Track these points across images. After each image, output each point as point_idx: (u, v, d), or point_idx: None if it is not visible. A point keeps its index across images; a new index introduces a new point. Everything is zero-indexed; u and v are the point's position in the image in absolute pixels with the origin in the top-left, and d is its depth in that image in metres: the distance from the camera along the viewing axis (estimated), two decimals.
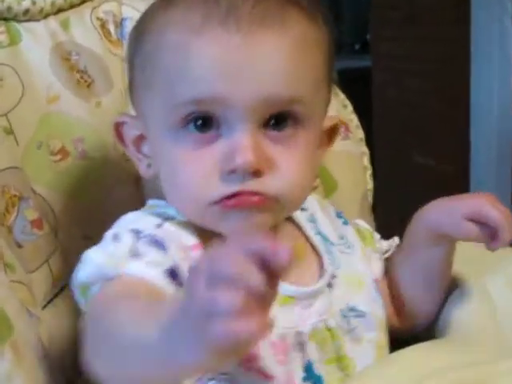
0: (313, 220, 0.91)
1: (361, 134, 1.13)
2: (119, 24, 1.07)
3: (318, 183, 1.05)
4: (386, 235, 0.99)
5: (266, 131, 0.77)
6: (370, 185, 1.12)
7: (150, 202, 0.88)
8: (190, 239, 0.79)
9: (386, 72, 2.63)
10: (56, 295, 0.96)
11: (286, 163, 0.77)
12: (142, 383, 0.64)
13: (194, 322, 0.50)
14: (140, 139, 0.86)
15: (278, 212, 0.80)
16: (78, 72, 1.01)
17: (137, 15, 1.01)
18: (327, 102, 0.85)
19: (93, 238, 0.83)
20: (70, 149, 0.98)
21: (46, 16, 1.01)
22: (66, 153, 0.98)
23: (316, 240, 0.88)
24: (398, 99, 2.52)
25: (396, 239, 0.96)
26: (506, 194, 2.01)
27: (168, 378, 0.60)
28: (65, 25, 1.03)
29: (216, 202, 0.76)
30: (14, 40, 0.98)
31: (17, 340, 0.80)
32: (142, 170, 0.87)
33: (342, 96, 1.12)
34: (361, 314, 0.85)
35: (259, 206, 0.76)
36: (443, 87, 2.26)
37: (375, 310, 0.87)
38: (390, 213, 1.84)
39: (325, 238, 0.89)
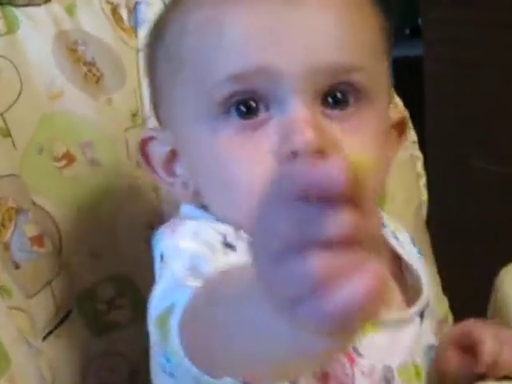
0: (396, 238, 0.86)
1: (413, 135, 1.09)
2: (132, 9, 1.03)
3: None
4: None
5: (324, 109, 0.72)
6: (425, 195, 1.09)
7: (185, 209, 0.82)
8: None
9: (441, 61, 2.53)
10: (59, 324, 0.91)
11: (354, 147, 0.72)
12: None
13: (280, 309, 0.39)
14: (171, 157, 0.80)
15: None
16: (84, 64, 0.98)
17: None
18: (390, 83, 0.82)
19: (102, 255, 0.86)
20: (76, 153, 0.94)
21: (48, 1, 0.99)
22: (72, 158, 0.94)
23: (410, 259, 0.84)
24: (456, 93, 2.43)
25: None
26: None
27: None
28: (70, 10, 1.00)
29: None
30: (11, 28, 0.97)
31: (14, 374, 0.79)
32: (179, 193, 0.81)
33: (393, 93, 1.04)
34: (433, 349, 0.82)
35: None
36: (509, 78, 2.20)
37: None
38: (445, 227, 1.80)
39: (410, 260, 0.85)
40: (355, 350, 0.72)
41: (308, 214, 0.37)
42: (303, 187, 0.37)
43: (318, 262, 0.36)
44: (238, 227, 0.74)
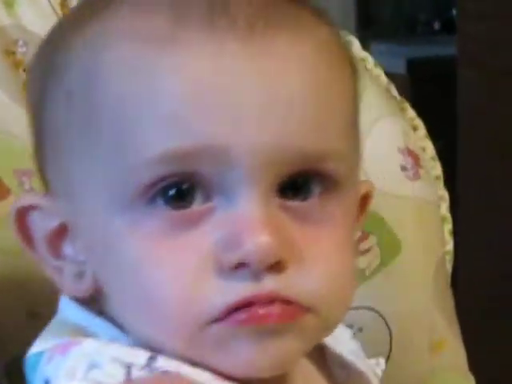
0: (335, 339, 0.80)
1: (438, 169, 1.03)
2: None
3: (371, 245, 0.97)
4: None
5: (282, 201, 0.63)
6: (450, 245, 1.04)
7: (71, 312, 0.73)
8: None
9: (478, 65, 2.43)
10: None
11: (319, 250, 0.64)
12: None
13: None
14: (60, 234, 0.70)
15: (313, 332, 0.66)
16: (26, 71, 0.89)
17: None
18: (360, 155, 0.74)
19: (41, 315, 0.77)
20: (11, 185, 0.86)
21: None
22: (6, 190, 0.86)
23: (339, 374, 0.79)
24: (494, 106, 2.34)
25: (382, 361, 0.88)
26: None
27: None
28: (8, 3, 0.95)
29: (216, 320, 0.63)
30: (8, 2, 0.95)
31: None
32: (67, 285, 0.71)
33: (411, 113, 1.04)
34: None
35: (286, 322, 0.63)
36: None
37: None
38: (473, 285, 1.73)
39: (343, 367, 0.80)
40: None
41: None
42: None
43: None
44: (155, 349, 0.67)
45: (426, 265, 1.01)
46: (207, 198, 0.62)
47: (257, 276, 0.61)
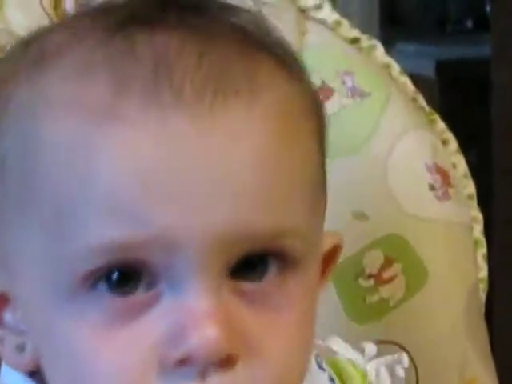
0: None
1: (470, 187, 1.01)
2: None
3: (396, 273, 0.97)
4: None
5: (235, 283, 0.63)
6: (484, 271, 1.02)
7: (9, 378, 0.73)
8: None
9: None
10: None
11: (273, 340, 0.63)
12: None
13: None
14: (1, 302, 0.70)
15: None
16: None
17: None
18: (323, 219, 0.73)
19: None
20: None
21: None
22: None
23: None
24: None
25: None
26: None
27: None
28: None
29: None
30: None
31: None
32: (8, 356, 0.70)
33: (441, 125, 1.01)
34: None
35: None
36: None
37: None
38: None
39: None
40: None
41: None
42: None
43: None
44: None
45: (457, 295, 0.99)
46: (153, 284, 0.62)
47: (202, 374, 0.61)
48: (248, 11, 0.72)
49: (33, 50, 0.68)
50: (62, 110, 0.62)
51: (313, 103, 0.69)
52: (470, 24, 3.65)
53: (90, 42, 0.65)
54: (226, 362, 0.60)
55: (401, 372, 0.83)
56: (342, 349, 0.84)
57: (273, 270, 0.62)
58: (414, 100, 1.01)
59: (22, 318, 0.68)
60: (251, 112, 0.62)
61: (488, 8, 3.10)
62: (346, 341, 0.87)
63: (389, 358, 0.83)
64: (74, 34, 0.68)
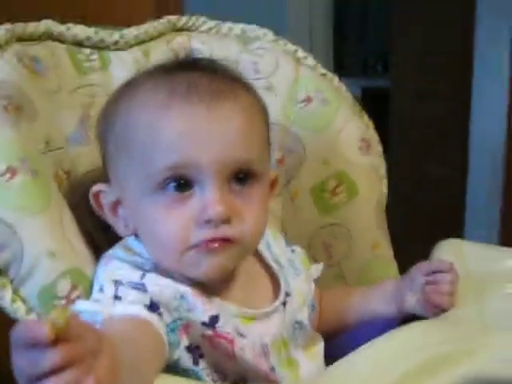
0: (268, 248, 0.93)
1: (380, 148, 1.14)
2: (188, 54, 1.09)
3: (343, 189, 1.09)
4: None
5: (230, 186, 0.78)
6: (385, 190, 1.13)
7: (129, 242, 0.84)
8: (169, 280, 0.79)
9: (404, 92, 2.63)
10: None
11: (248, 213, 0.79)
12: None
13: None
14: (116, 204, 0.83)
15: (241, 253, 0.82)
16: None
17: (202, 47, 1.10)
18: (270, 159, 0.89)
19: (58, 255, 0.78)
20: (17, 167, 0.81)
21: (131, 46, 1.05)
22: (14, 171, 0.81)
23: (274, 266, 0.91)
24: (411, 118, 2.55)
25: (320, 265, 1.00)
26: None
27: None
28: (146, 53, 1.06)
29: (193, 247, 0.77)
30: (104, 65, 1.02)
31: None
32: (120, 230, 0.84)
33: (366, 117, 1.13)
34: (302, 326, 0.89)
35: (226, 249, 0.78)
36: (449, 108, 2.30)
37: (311, 321, 0.92)
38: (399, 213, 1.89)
39: (279, 265, 0.91)
40: (240, 333, 0.79)
41: (33, 357, 0.46)
42: (24, 341, 0.46)
43: None
44: (158, 264, 0.79)
45: (372, 199, 1.11)
46: (191, 187, 0.77)
47: (216, 226, 0.76)
48: (230, 63, 0.90)
49: (127, 83, 0.85)
50: (144, 106, 0.79)
51: (263, 106, 0.86)
52: (379, 68, 3.91)
53: (156, 76, 0.82)
54: (226, 220, 0.77)
55: (316, 273, 0.98)
56: (298, 249, 0.98)
57: (248, 182, 0.79)
58: (353, 104, 1.13)
59: (126, 210, 0.82)
60: (234, 107, 0.79)
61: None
62: None
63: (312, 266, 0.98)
64: (149, 74, 0.84)
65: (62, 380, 0.46)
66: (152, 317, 0.72)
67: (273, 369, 0.82)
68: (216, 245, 0.77)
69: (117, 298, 0.73)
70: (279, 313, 0.86)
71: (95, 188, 0.83)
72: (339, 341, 0.96)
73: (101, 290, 0.75)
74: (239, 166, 0.78)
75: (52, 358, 0.46)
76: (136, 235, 0.83)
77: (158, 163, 0.76)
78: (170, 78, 0.80)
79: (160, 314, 0.74)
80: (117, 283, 0.75)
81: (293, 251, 0.95)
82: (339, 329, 0.97)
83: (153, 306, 0.73)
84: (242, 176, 0.79)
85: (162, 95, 0.78)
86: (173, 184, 0.77)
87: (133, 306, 0.72)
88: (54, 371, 0.46)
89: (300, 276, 0.93)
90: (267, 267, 0.91)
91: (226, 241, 0.77)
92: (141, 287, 0.74)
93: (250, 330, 0.81)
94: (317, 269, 0.99)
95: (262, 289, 0.89)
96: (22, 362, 0.47)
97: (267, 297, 0.88)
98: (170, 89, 0.78)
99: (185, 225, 0.76)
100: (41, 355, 0.46)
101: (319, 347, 0.92)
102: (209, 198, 0.76)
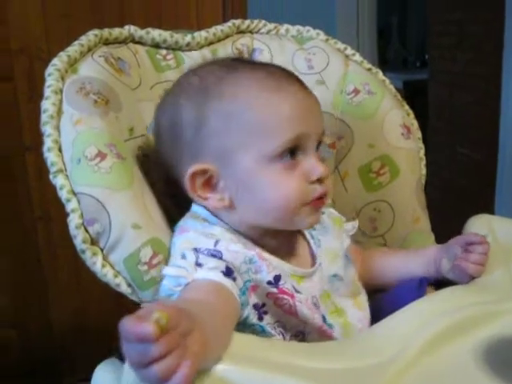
0: (314, 228, 0.92)
1: (419, 134, 1.12)
2: (251, 53, 1.10)
3: (386, 170, 1.08)
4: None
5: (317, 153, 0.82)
6: (424, 171, 1.11)
7: (194, 209, 0.84)
8: (239, 246, 0.79)
9: (440, 84, 2.60)
10: None
11: (327, 171, 0.82)
12: None
13: None
14: (210, 179, 0.80)
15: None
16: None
17: (263, 47, 1.10)
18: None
19: (141, 226, 0.78)
20: (106, 152, 0.82)
21: (201, 47, 1.06)
22: (104, 155, 0.81)
23: (306, 234, 0.90)
24: (448, 106, 2.50)
25: (355, 222, 0.98)
26: None
27: None
28: (214, 53, 1.06)
29: (309, 203, 0.79)
30: (179, 63, 1.03)
31: None
32: (214, 204, 0.81)
33: (406, 106, 1.12)
34: (340, 278, 0.88)
35: (323, 204, 0.81)
36: (481, 98, 2.25)
37: (348, 273, 0.91)
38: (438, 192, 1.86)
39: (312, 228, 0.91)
40: (296, 290, 0.79)
41: (142, 349, 0.50)
42: (135, 337, 0.49)
43: (154, 371, 0.50)
44: (258, 226, 0.80)
45: (412, 179, 1.08)
46: (298, 155, 0.79)
47: (321, 183, 0.79)
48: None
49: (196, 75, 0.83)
50: (258, 89, 0.79)
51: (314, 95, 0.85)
52: (418, 64, 3.85)
53: (245, 66, 0.82)
54: (325, 178, 0.80)
55: (350, 227, 0.97)
56: (333, 211, 0.97)
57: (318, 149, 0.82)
58: (395, 95, 1.12)
59: (229, 182, 0.79)
60: (309, 91, 0.82)
61: (426, 57, 3.24)
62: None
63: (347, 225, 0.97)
64: (231, 65, 0.82)
65: (165, 365, 0.50)
66: (228, 282, 0.73)
67: (324, 318, 0.82)
68: (324, 200, 0.80)
69: (198, 264, 0.73)
70: (319, 271, 0.86)
71: (192, 169, 0.80)
72: (379, 299, 0.95)
73: (183, 257, 0.74)
74: (321, 136, 0.81)
75: (156, 350, 0.50)
76: (229, 207, 0.81)
77: (281, 136, 0.77)
78: (257, 68, 0.81)
79: (234, 279, 0.74)
80: (197, 251, 0.74)
81: (323, 213, 0.92)
82: (379, 286, 0.96)
83: (228, 272, 0.74)
84: (317, 144, 0.81)
85: (273, 82, 0.79)
86: (288, 152, 0.77)
87: (212, 272, 0.72)
88: (158, 359, 0.50)
89: (329, 233, 0.92)
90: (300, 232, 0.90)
91: (326, 195, 0.80)
92: (217, 254, 0.74)
93: (302, 287, 0.81)
94: (353, 225, 0.98)
95: (302, 251, 0.89)
96: (132, 353, 0.51)
97: (306, 258, 0.88)
98: (269, 75, 0.79)
99: (302, 184, 0.78)
100: (148, 347, 0.50)
101: (363, 296, 0.92)
102: (314, 161, 0.79)
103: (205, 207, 0.83)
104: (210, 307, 0.66)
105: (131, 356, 0.51)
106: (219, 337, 0.63)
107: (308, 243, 0.89)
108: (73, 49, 0.89)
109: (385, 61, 3.79)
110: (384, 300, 0.93)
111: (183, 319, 0.53)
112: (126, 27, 0.99)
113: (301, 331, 0.81)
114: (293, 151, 0.78)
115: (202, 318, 0.57)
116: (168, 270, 0.74)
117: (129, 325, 0.50)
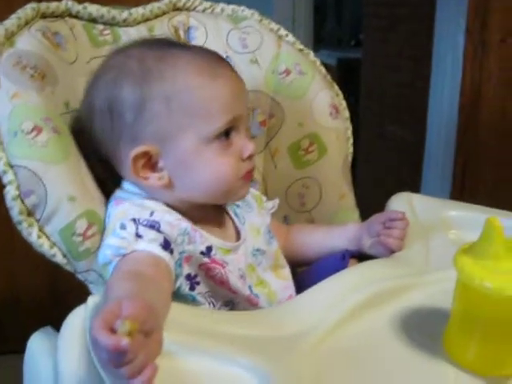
0: (237, 206, 0.96)
1: (347, 114, 1.14)
2: (187, 30, 1.09)
3: (314, 148, 1.10)
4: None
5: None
6: (351, 149, 1.14)
7: (126, 186, 0.85)
8: (174, 218, 0.80)
9: (372, 64, 2.64)
10: None
11: (251, 146, 0.86)
12: None
13: None
14: (150, 158, 0.81)
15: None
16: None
17: (199, 25, 1.10)
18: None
19: (77, 199, 0.79)
20: (42, 126, 0.81)
21: (138, 23, 1.05)
22: (40, 129, 0.81)
23: (230, 212, 0.93)
24: (379, 85, 2.54)
25: (275, 201, 1.01)
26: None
27: None
28: (150, 30, 1.06)
29: (242, 177, 0.84)
30: (115, 39, 1.02)
31: None
32: (152, 182, 0.82)
33: (336, 87, 1.13)
34: (262, 252, 0.91)
35: (253, 176, 0.88)
36: (412, 79, 2.29)
37: (271, 248, 0.94)
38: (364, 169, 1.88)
39: (236, 205, 0.94)
40: (225, 261, 0.82)
41: (113, 356, 0.53)
42: (107, 348, 0.52)
43: (123, 371, 0.53)
44: (191, 202, 0.83)
45: (339, 158, 1.11)
46: (232, 135, 0.83)
47: (250, 160, 0.84)
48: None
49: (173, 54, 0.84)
50: (195, 74, 0.81)
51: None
52: (353, 43, 3.88)
53: (179, 49, 0.84)
54: (253, 155, 0.85)
55: (270, 205, 1.00)
56: (253, 190, 0.99)
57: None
58: (326, 76, 1.13)
59: (169, 161, 0.81)
60: (238, 75, 0.85)
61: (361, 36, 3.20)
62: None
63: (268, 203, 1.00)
64: (161, 44, 0.85)
65: (133, 367, 0.54)
66: (166, 255, 0.74)
67: (250, 288, 0.85)
68: (252, 173, 0.85)
69: (138, 236, 0.74)
70: (243, 245, 0.89)
71: (135, 152, 0.80)
72: (303, 272, 0.98)
73: (123, 227, 0.75)
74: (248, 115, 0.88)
75: (128, 357, 0.53)
76: (167, 185, 0.83)
77: (221, 119, 0.80)
78: (193, 51, 0.84)
79: (172, 252, 0.75)
80: (136, 222, 0.75)
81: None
82: (303, 261, 0.99)
83: (166, 245, 0.75)
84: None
85: (207, 64, 0.81)
86: (224, 133, 0.81)
87: (151, 245, 0.73)
88: (128, 363, 0.53)
89: (252, 210, 0.95)
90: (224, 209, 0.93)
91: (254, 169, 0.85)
92: (155, 225, 0.75)
93: (229, 259, 0.84)
94: (273, 204, 1.00)
95: (228, 227, 0.91)
96: (103, 358, 0.54)
97: (231, 233, 0.90)
98: (214, 65, 0.82)
99: (237, 161, 0.82)
100: (119, 356, 0.53)
101: (286, 269, 0.94)
102: (245, 140, 0.83)
103: (136, 185, 0.84)
104: (158, 287, 0.68)
105: (102, 360, 0.55)
106: (165, 316, 0.65)
107: (232, 220, 0.91)
108: (10, 22, 0.88)
109: (320, 38, 3.80)
110: (308, 272, 0.95)
111: (150, 319, 0.56)
112: (64, 1, 0.98)
113: (230, 301, 0.83)
114: (227, 132, 0.82)
115: (158, 310, 0.61)
116: (110, 240, 0.74)
117: (101, 335, 0.52)
